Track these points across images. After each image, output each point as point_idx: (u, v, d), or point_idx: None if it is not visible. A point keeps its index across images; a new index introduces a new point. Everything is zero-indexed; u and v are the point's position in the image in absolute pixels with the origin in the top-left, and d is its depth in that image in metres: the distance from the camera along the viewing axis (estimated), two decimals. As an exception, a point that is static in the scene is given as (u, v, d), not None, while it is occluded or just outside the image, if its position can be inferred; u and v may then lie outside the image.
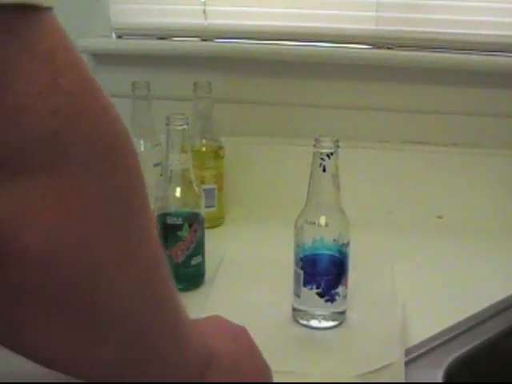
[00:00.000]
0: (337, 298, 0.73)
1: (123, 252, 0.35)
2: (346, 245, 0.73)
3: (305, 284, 0.73)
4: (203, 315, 0.76)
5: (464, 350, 0.72)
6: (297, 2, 1.07)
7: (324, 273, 0.73)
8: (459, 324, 0.76)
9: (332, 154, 0.69)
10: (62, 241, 0.31)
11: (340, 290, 0.73)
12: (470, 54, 1.04)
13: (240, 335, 0.53)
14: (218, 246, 0.93)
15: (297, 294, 0.74)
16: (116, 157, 0.34)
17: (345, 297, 0.74)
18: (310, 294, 0.73)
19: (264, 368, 0.54)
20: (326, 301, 0.73)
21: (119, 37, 1.13)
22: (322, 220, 0.72)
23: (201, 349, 0.46)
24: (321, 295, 0.72)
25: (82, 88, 0.32)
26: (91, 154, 0.32)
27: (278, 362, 0.67)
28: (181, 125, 0.79)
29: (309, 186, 0.71)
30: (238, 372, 0.49)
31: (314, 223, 0.71)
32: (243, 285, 0.84)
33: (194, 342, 0.45)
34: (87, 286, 0.33)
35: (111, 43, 1.12)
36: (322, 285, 0.72)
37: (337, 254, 0.73)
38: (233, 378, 0.48)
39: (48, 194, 0.31)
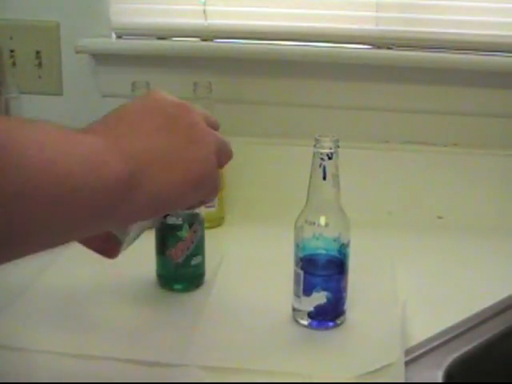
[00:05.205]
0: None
1: None
2: (346, 245, 0.73)
3: (305, 291, 0.73)
4: (203, 315, 0.76)
5: (464, 349, 0.72)
6: (297, 2, 1.07)
7: (324, 273, 0.73)
8: (459, 324, 0.75)
9: (332, 154, 0.69)
10: None
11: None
12: (470, 53, 1.04)
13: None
14: (218, 246, 0.93)
15: (297, 294, 0.74)
16: None
17: (345, 297, 0.74)
18: (310, 298, 0.73)
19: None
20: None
21: (119, 37, 1.13)
22: (322, 220, 0.72)
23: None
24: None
25: None
26: None
27: (278, 362, 0.68)
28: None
29: (309, 186, 0.71)
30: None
31: (314, 223, 0.71)
32: (243, 285, 0.84)
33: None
34: None
35: (111, 43, 1.12)
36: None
37: (337, 254, 0.73)
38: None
39: None
